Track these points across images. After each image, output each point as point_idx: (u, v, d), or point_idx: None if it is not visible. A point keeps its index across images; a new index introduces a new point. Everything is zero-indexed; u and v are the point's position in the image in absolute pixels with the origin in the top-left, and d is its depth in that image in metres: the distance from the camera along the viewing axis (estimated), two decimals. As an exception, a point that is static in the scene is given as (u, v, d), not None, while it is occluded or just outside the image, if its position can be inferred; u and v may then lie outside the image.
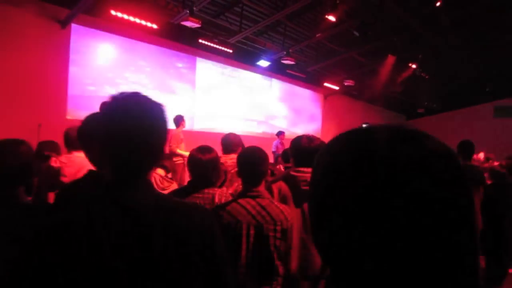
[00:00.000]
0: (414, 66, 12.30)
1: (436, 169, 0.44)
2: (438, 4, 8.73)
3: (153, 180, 3.40)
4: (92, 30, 7.71)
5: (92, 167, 1.63)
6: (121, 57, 8.29)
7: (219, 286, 1.03)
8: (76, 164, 2.56)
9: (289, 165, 4.44)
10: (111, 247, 0.90)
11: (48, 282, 0.88)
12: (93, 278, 0.88)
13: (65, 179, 2.51)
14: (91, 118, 1.55)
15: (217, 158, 2.39)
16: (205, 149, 2.30)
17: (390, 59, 11.59)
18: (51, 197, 2.48)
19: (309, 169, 2.36)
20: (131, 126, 0.97)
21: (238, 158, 2.15)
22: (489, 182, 4.44)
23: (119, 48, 8.23)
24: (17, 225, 1.31)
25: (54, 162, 2.67)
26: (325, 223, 0.49)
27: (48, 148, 3.23)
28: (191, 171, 2.34)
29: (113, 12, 7.16)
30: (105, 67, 8.02)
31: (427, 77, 13.49)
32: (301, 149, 2.43)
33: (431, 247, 0.42)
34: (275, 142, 9.71)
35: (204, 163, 2.24)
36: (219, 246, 1.04)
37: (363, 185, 0.44)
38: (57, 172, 2.57)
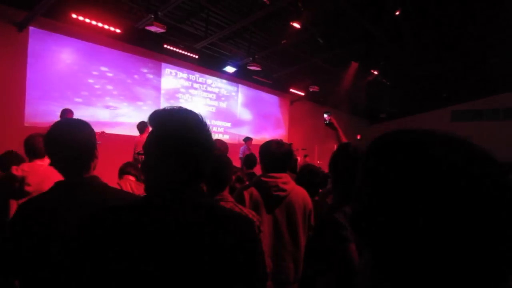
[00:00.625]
0: (376, 72, 12.73)
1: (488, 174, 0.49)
2: (397, 13, 9.10)
3: (128, 187, 3.33)
4: (52, 33, 7.44)
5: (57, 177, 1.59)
6: (83, 62, 8.04)
7: None
8: (40, 173, 2.57)
9: (251, 171, 4.45)
10: (163, 247, 0.96)
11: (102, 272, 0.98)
12: (141, 276, 0.95)
13: (29, 188, 2.49)
14: (60, 124, 1.49)
15: None
16: None
17: (353, 66, 11.93)
18: (14, 204, 2.48)
19: (281, 174, 2.39)
20: (189, 139, 1.06)
21: None
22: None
23: (81, 52, 7.98)
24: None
25: (16, 170, 2.60)
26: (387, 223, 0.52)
27: (12, 160, 3.10)
28: None
29: (74, 16, 6.95)
30: (66, 72, 7.74)
31: (388, 83, 13.98)
32: (271, 155, 2.43)
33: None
34: (242, 148, 9.72)
35: None
36: (260, 256, 1.10)
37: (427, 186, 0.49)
38: (20, 181, 2.52)
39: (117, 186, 3.14)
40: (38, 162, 2.67)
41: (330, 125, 3.32)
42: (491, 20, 10.08)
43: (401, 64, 13.09)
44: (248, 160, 4.65)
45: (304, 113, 14.88)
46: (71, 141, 1.41)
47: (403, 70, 13.66)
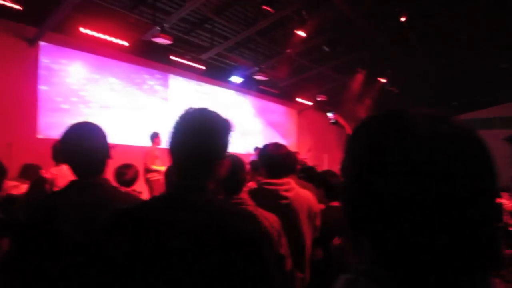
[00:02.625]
0: (383, 80, 12.69)
1: (471, 148, 0.48)
2: (403, 19, 9.10)
3: None
4: (61, 48, 7.63)
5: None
6: (92, 74, 8.21)
7: None
8: (67, 176, 2.74)
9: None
10: (170, 242, 0.99)
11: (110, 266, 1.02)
12: (147, 265, 0.99)
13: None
14: (70, 131, 1.53)
15: None
16: None
17: (360, 74, 11.92)
18: None
19: (283, 181, 2.30)
20: (195, 141, 1.10)
21: None
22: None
23: (90, 65, 8.15)
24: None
25: (45, 173, 2.91)
26: (368, 207, 0.49)
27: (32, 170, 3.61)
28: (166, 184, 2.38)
29: (82, 30, 7.12)
30: (76, 85, 7.91)
31: (396, 91, 13.91)
32: (269, 158, 2.36)
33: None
34: (252, 157, 9.70)
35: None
36: (269, 254, 1.09)
37: (406, 162, 0.46)
38: (51, 183, 2.85)
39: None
40: (63, 165, 2.96)
41: (336, 123, 3.32)
42: (501, 23, 9.88)
43: (408, 72, 13.03)
44: (255, 166, 4.64)
45: (313, 122, 14.88)
46: (86, 145, 1.48)
47: (411, 78, 13.59)
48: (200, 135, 1.10)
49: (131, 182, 3.16)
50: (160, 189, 6.20)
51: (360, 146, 0.53)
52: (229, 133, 1.17)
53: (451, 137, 0.47)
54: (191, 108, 1.16)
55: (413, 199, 0.45)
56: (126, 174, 3.10)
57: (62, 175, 2.87)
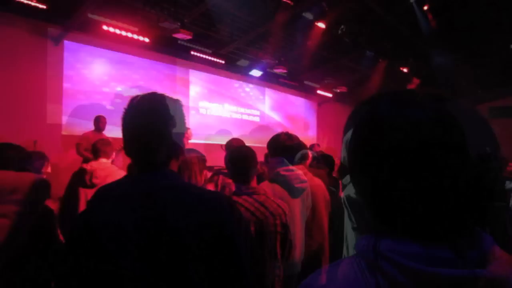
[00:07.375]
0: (405, 70, 12.43)
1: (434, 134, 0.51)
2: (425, 8, 8.88)
3: None
4: (85, 46, 7.78)
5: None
6: (115, 71, 8.35)
7: (237, 273, 1.05)
8: (106, 169, 3.31)
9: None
10: (132, 226, 1.00)
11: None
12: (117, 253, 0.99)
13: (97, 181, 3.17)
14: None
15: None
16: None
17: (382, 64, 11.72)
18: (82, 192, 3.20)
19: (298, 167, 2.46)
20: (142, 124, 1.12)
21: (226, 158, 2.15)
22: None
23: (112, 62, 8.29)
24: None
25: (86, 166, 3.29)
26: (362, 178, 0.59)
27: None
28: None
29: (105, 27, 7.24)
30: (99, 82, 8.06)
31: (418, 81, 13.60)
32: (282, 147, 2.52)
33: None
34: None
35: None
36: (239, 237, 1.07)
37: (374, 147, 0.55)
38: (90, 174, 3.19)
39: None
40: (101, 159, 3.36)
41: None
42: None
43: (431, 61, 12.69)
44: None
45: (333, 114, 14.72)
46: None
47: (434, 67, 13.23)
48: (146, 116, 1.11)
49: None
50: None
51: (348, 125, 0.67)
52: (176, 110, 1.16)
53: (415, 122, 0.51)
54: (138, 95, 1.19)
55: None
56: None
57: (102, 168, 3.26)
